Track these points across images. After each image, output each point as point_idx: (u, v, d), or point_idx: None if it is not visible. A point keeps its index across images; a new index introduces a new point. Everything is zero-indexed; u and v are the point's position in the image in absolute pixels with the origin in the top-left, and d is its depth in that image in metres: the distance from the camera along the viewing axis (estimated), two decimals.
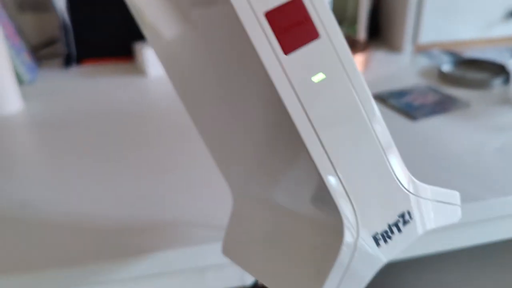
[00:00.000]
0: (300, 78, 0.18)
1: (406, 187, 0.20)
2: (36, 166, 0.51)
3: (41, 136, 0.59)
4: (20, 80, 0.69)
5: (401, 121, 0.57)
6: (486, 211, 0.43)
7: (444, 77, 0.68)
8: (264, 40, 0.17)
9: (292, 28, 0.17)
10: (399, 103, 0.61)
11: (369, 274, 0.19)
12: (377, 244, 0.19)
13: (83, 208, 0.42)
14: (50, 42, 0.81)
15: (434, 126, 0.56)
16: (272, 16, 0.17)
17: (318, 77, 0.18)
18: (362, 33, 0.80)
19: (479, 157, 0.49)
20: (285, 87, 0.17)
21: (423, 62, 0.76)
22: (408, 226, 0.20)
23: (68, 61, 0.76)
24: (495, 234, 0.47)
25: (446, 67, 0.71)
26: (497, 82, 0.65)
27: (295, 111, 0.17)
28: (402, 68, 0.75)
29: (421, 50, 0.80)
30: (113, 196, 0.43)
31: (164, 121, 0.60)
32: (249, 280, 0.40)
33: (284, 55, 0.17)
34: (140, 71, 0.74)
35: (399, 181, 0.20)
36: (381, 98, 0.62)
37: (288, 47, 0.17)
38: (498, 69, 0.69)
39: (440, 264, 0.64)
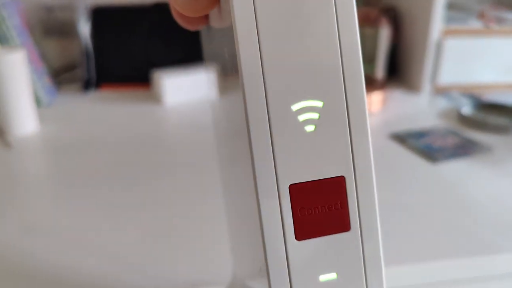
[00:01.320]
0: (304, 274, 0.14)
1: None
2: (42, 192, 0.51)
3: (52, 160, 0.59)
4: (38, 103, 0.70)
5: (421, 163, 0.55)
6: None
7: (464, 120, 0.67)
8: (275, 216, 0.13)
9: (318, 212, 0.13)
10: (418, 144, 0.59)
11: None
12: None
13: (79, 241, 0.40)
14: (70, 67, 0.83)
15: (456, 170, 0.54)
16: (297, 191, 0.13)
17: (328, 277, 0.14)
18: (380, 71, 0.79)
19: (504, 206, 0.47)
20: (281, 276, 0.13)
21: (442, 103, 0.75)
22: None
23: (87, 86, 0.77)
24: None
25: (466, 110, 0.70)
26: None
27: None
28: (420, 108, 0.74)
29: (440, 91, 0.79)
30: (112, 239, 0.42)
31: (177, 152, 0.59)
32: None
33: (295, 240, 0.13)
34: (156, 99, 0.75)
35: None
36: (400, 138, 0.61)
37: (303, 233, 0.13)
38: None
39: None
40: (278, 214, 0.13)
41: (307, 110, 0.13)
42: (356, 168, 0.13)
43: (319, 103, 0.13)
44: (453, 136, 0.62)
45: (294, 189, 0.13)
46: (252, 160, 0.13)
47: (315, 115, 0.13)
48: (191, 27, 0.17)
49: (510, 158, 0.57)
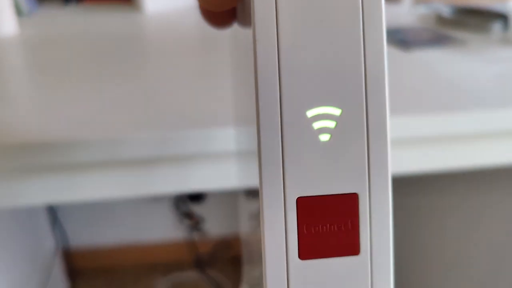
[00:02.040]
0: None
1: None
2: (24, 83, 0.52)
3: (31, 55, 0.59)
4: (19, 11, 0.70)
5: (393, 52, 0.56)
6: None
7: (442, 21, 0.67)
8: (279, 230, 0.12)
9: (326, 230, 0.12)
10: (393, 38, 0.60)
11: None
12: None
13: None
14: None
15: (428, 57, 0.54)
16: (305, 205, 0.12)
17: None
18: None
19: (475, 82, 0.47)
20: None
21: (422, 11, 0.75)
22: None
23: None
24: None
25: (445, 13, 0.70)
26: (497, 26, 0.64)
27: None
28: (399, 15, 0.74)
29: (421, 1, 0.79)
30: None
31: (158, 48, 0.60)
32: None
33: (298, 259, 0.12)
34: (137, 8, 0.75)
35: None
36: None
37: (307, 252, 0.12)
38: (498, 16, 0.68)
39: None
40: (283, 228, 0.12)
41: (323, 117, 0.12)
42: (372, 186, 0.12)
43: (337, 111, 0.12)
44: (428, 32, 0.63)
45: (302, 202, 0.12)
46: (260, 166, 0.12)
47: (331, 124, 0.12)
48: (217, 25, 0.17)
49: (484, 49, 0.58)
